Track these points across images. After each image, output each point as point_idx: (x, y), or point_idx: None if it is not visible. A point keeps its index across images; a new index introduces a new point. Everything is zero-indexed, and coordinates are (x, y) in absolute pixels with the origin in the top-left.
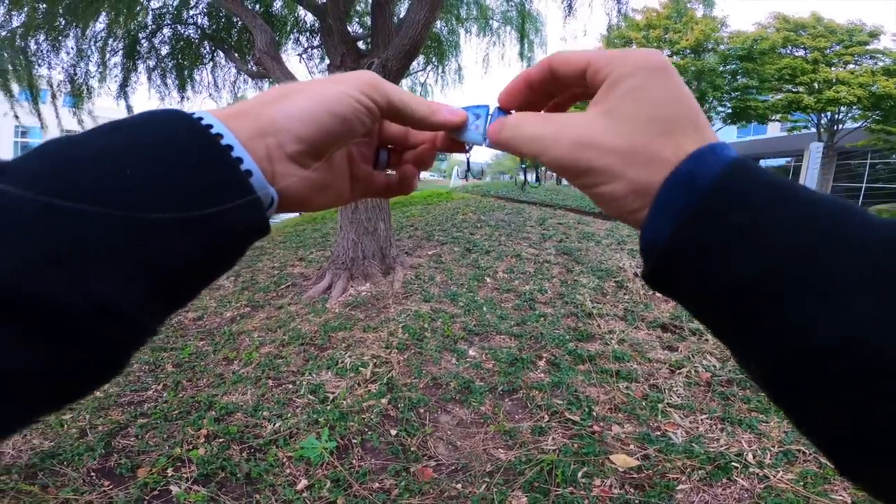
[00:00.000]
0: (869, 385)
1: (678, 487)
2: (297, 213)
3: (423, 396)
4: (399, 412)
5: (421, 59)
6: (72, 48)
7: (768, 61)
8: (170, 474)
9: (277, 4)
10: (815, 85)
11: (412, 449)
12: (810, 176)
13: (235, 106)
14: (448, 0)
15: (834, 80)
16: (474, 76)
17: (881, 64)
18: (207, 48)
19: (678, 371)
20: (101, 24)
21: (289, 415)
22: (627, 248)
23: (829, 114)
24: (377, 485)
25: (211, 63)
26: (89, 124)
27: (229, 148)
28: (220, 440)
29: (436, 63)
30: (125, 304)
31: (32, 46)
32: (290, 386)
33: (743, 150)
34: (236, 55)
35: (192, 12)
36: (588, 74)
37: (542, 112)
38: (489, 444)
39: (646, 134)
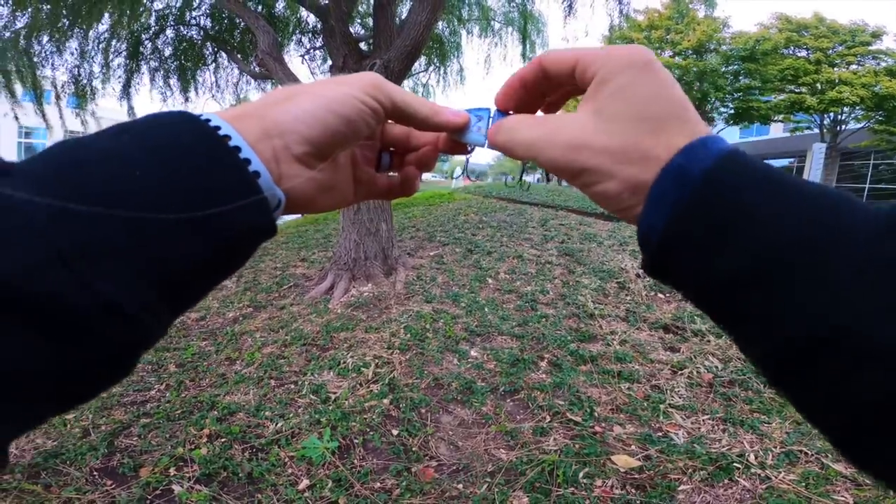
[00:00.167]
0: (863, 372)
1: (680, 488)
2: (300, 215)
3: (424, 397)
4: (401, 412)
5: (423, 60)
6: (75, 49)
7: (771, 62)
8: (172, 474)
9: (280, 6)
10: (818, 85)
11: (414, 449)
12: (813, 177)
13: (240, 107)
14: (450, 1)
15: (836, 81)
16: (476, 77)
17: (884, 64)
18: (210, 49)
19: (680, 372)
20: (104, 26)
21: (291, 415)
22: (629, 250)
23: (831, 114)
24: (379, 485)
25: (214, 64)
26: (93, 125)
27: (237, 149)
28: (223, 440)
29: (437, 64)
30: (132, 305)
31: (36, 48)
32: (292, 386)
33: (745, 150)
34: (239, 56)
35: (194, 13)
36: (577, 73)
37: (537, 114)
38: (490, 445)
39: (636, 132)
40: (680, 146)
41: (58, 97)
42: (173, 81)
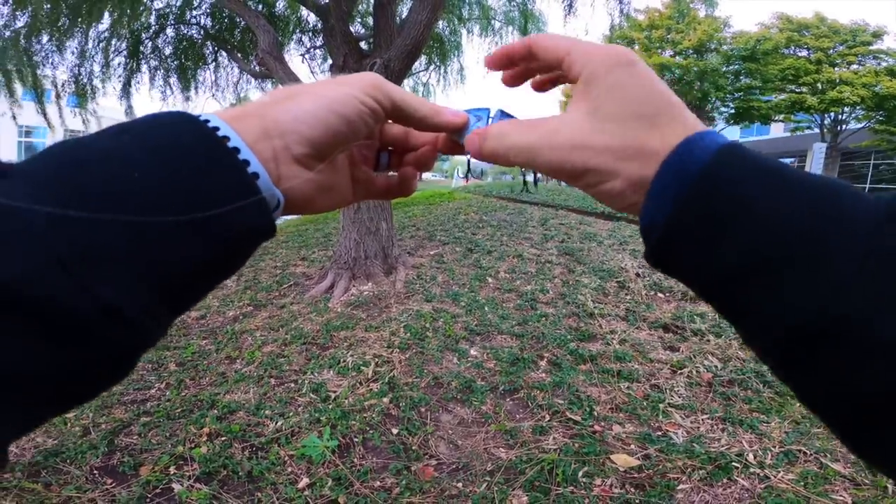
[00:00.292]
0: (864, 364)
1: (679, 487)
2: (299, 214)
3: (424, 396)
4: (400, 411)
5: (423, 59)
6: (76, 48)
7: (771, 62)
8: (172, 472)
9: (280, 5)
10: (819, 85)
11: (413, 448)
12: None
13: (240, 108)
14: (450, 0)
15: (837, 81)
16: (476, 76)
17: (885, 64)
18: (210, 48)
19: (679, 371)
20: (104, 24)
21: (291, 413)
22: (629, 249)
23: (832, 114)
24: (378, 483)
25: (214, 63)
26: (94, 124)
27: (236, 150)
28: (223, 438)
29: (438, 63)
30: (132, 309)
31: (36, 47)
32: (292, 385)
33: None
34: (239, 55)
35: (195, 13)
36: (563, 67)
37: (523, 119)
38: (490, 444)
39: (633, 130)
40: (675, 141)
41: (58, 96)
42: (173, 80)
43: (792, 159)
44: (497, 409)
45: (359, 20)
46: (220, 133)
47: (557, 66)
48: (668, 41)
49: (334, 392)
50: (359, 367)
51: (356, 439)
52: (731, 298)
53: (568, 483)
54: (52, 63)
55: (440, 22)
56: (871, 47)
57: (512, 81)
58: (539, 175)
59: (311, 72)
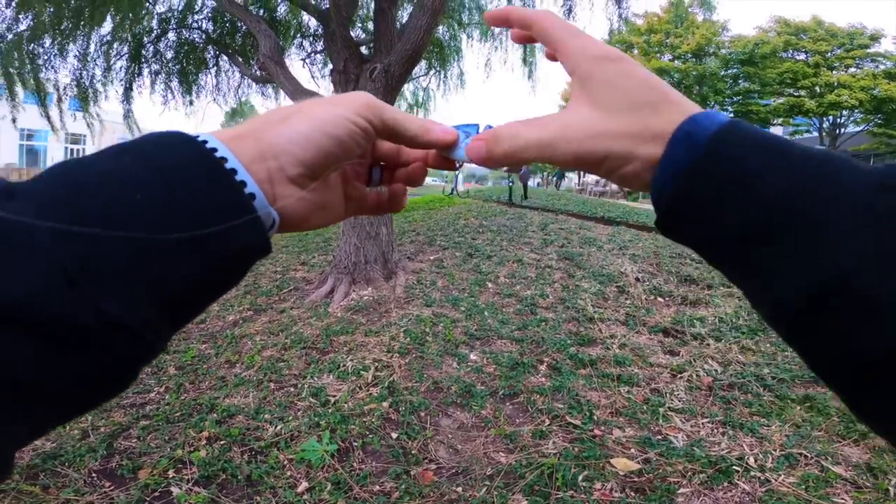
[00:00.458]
0: (866, 323)
1: (679, 491)
2: None
3: (424, 400)
4: (400, 416)
5: (423, 64)
6: (78, 52)
7: (769, 65)
8: (171, 476)
9: (281, 10)
10: (817, 89)
11: (413, 452)
12: None
13: (236, 128)
14: (450, 5)
15: (835, 84)
16: (476, 81)
17: (882, 67)
18: (212, 52)
19: (679, 375)
20: (106, 28)
21: (290, 418)
22: (629, 253)
23: (830, 118)
24: (378, 488)
25: (215, 67)
26: (97, 127)
27: (233, 172)
28: (222, 442)
29: (438, 68)
30: (134, 323)
31: (39, 50)
32: (292, 389)
33: None
34: (240, 60)
35: (196, 17)
36: (557, 56)
37: (525, 119)
38: (490, 448)
39: (641, 116)
40: (679, 121)
41: (60, 100)
42: (175, 84)
43: None
44: (497, 413)
45: (359, 25)
46: (217, 154)
47: (550, 53)
48: (666, 45)
49: (334, 396)
50: (358, 372)
51: (356, 443)
52: (737, 260)
53: (568, 487)
54: (53, 67)
55: (440, 27)
56: (868, 50)
57: (499, 24)
58: (538, 180)
59: (312, 76)
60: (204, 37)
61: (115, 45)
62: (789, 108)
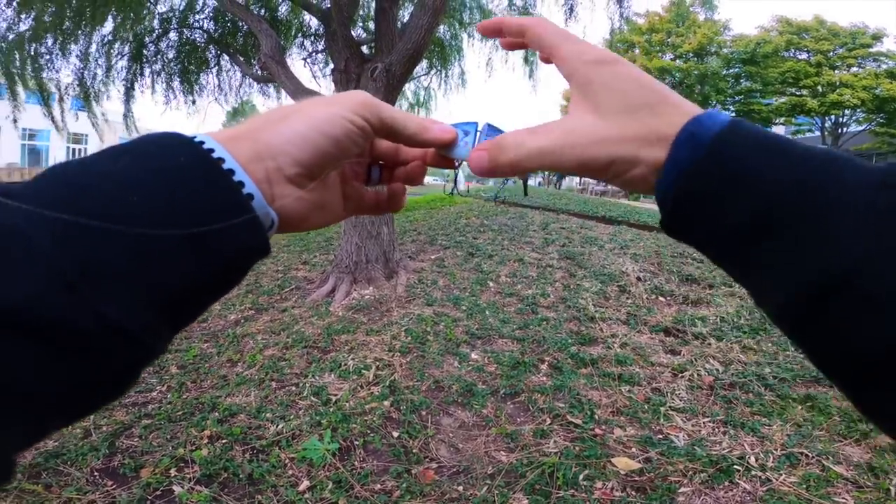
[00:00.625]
0: (869, 317)
1: (680, 490)
2: None
3: (425, 399)
4: (401, 414)
5: (424, 63)
6: (80, 52)
7: (771, 64)
8: (173, 474)
9: (283, 9)
10: (819, 88)
11: (414, 451)
12: None
13: (235, 129)
14: (451, 5)
15: (837, 84)
16: (477, 80)
17: (885, 66)
18: (213, 52)
19: (681, 374)
20: (107, 27)
21: (291, 416)
22: (630, 253)
23: (832, 117)
24: (379, 486)
25: (216, 67)
26: (102, 126)
27: (231, 172)
28: (223, 441)
29: (439, 67)
30: (134, 327)
31: (41, 50)
32: (293, 388)
33: None
34: (242, 59)
35: (198, 17)
36: (555, 61)
37: (527, 127)
38: (491, 447)
39: (641, 119)
40: (681, 122)
41: (61, 99)
42: (176, 84)
43: None
44: (498, 412)
45: (360, 25)
46: (215, 155)
47: (546, 57)
48: (668, 45)
49: (335, 395)
50: (360, 371)
51: (357, 442)
52: (741, 256)
53: (569, 486)
54: (55, 67)
55: (441, 26)
56: (870, 49)
57: (493, 35)
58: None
59: (313, 76)
60: (205, 36)
61: (116, 45)
62: (791, 107)
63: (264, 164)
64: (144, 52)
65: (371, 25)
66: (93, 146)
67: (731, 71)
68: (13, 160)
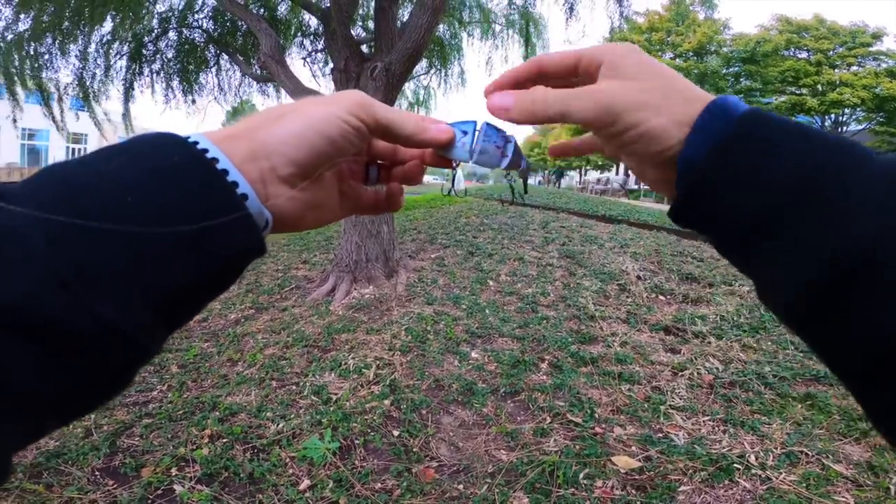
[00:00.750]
0: (890, 302)
1: (680, 489)
2: None
3: (425, 398)
4: (401, 413)
5: (424, 62)
6: (79, 51)
7: (771, 63)
8: (174, 474)
9: (282, 9)
10: (819, 87)
11: (414, 450)
12: None
13: (230, 128)
14: (450, 4)
15: (837, 83)
16: (477, 79)
17: (885, 65)
18: (212, 52)
19: (680, 373)
20: (106, 27)
21: (292, 416)
22: (630, 252)
23: (832, 116)
24: (379, 485)
25: (216, 66)
26: (105, 125)
27: (225, 173)
28: (224, 440)
29: (439, 66)
30: (128, 326)
31: (41, 50)
32: (294, 387)
33: None
34: (241, 59)
35: (197, 16)
36: (582, 66)
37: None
38: (491, 446)
39: (673, 89)
40: (709, 99)
41: (60, 99)
42: (175, 84)
43: None
44: (498, 411)
45: (360, 24)
46: (209, 155)
47: (573, 72)
48: (668, 44)
49: (335, 394)
50: (360, 370)
51: (357, 441)
52: (763, 228)
53: (569, 485)
54: (54, 66)
55: (441, 25)
56: (870, 49)
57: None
58: (540, 178)
59: (313, 75)
60: (204, 36)
61: (115, 45)
62: (791, 106)
63: (258, 163)
64: (143, 51)
65: (371, 24)
66: (93, 146)
67: (730, 70)
68: (12, 160)
